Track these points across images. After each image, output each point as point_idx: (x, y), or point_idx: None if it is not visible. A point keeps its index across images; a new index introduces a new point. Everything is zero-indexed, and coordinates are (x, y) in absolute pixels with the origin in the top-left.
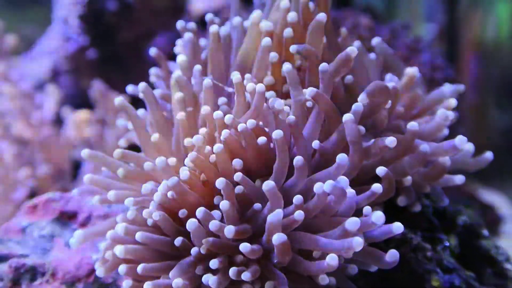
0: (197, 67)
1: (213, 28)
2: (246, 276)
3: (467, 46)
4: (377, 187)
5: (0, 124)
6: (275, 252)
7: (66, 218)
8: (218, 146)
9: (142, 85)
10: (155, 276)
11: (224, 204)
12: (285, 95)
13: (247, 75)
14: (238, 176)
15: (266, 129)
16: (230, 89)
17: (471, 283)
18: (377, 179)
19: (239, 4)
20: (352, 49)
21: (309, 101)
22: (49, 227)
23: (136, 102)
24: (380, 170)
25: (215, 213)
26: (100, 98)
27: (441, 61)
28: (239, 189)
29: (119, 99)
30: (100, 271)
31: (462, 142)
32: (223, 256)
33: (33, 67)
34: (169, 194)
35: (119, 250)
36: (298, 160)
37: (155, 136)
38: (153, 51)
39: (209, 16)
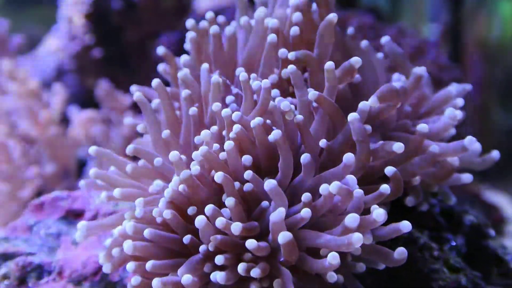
0: (205, 65)
1: (213, 29)
2: (255, 272)
3: (471, 46)
4: (385, 188)
5: (7, 122)
6: (282, 251)
7: (73, 217)
8: (229, 143)
9: (156, 81)
10: (164, 273)
11: (229, 201)
12: (292, 93)
13: (253, 75)
14: (248, 174)
15: (274, 128)
16: (236, 90)
17: (478, 282)
18: (386, 179)
19: (245, 3)
20: (356, 60)
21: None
22: (56, 226)
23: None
24: (389, 170)
25: (225, 211)
26: (105, 97)
27: (448, 62)
28: (248, 186)
29: (138, 94)
30: (106, 267)
31: (472, 143)
32: (231, 253)
33: (39, 66)
34: (181, 187)
35: (127, 246)
36: (305, 157)
37: (165, 133)
38: (161, 50)
39: (209, 15)
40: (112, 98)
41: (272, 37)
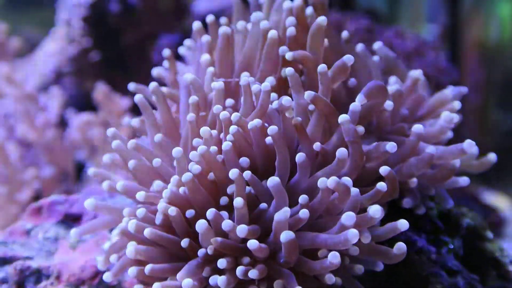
0: (210, 69)
1: (222, 29)
2: (253, 274)
3: (469, 47)
4: (382, 185)
5: (4, 126)
6: (283, 251)
7: (71, 221)
8: (226, 144)
9: (153, 84)
10: (162, 278)
11: (237, 201)
12: (290, 95)
13: (251, 78)
14: (246, 174)
15: None
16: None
17: (475, 285)
18: (381, 181)
19: (242, 6)
20: (349, 58)
21: (311, 105)
22: (53, 230)
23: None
24: (383, 169)
25: (223, 214)
26: (103, 100)
27: (447, 64)
28: (247, 189)
29: (139, 96)
30: (107, 276)
31: (471, 146)
32: (230, 257)
33: (37, 69)
34: (181, 190)
35: (129, 250)
36: (300, 156)
37: (158, 136)
38: (166, 52)
39: (210, 18)
40: (110, 101)
41: (273, 33)
